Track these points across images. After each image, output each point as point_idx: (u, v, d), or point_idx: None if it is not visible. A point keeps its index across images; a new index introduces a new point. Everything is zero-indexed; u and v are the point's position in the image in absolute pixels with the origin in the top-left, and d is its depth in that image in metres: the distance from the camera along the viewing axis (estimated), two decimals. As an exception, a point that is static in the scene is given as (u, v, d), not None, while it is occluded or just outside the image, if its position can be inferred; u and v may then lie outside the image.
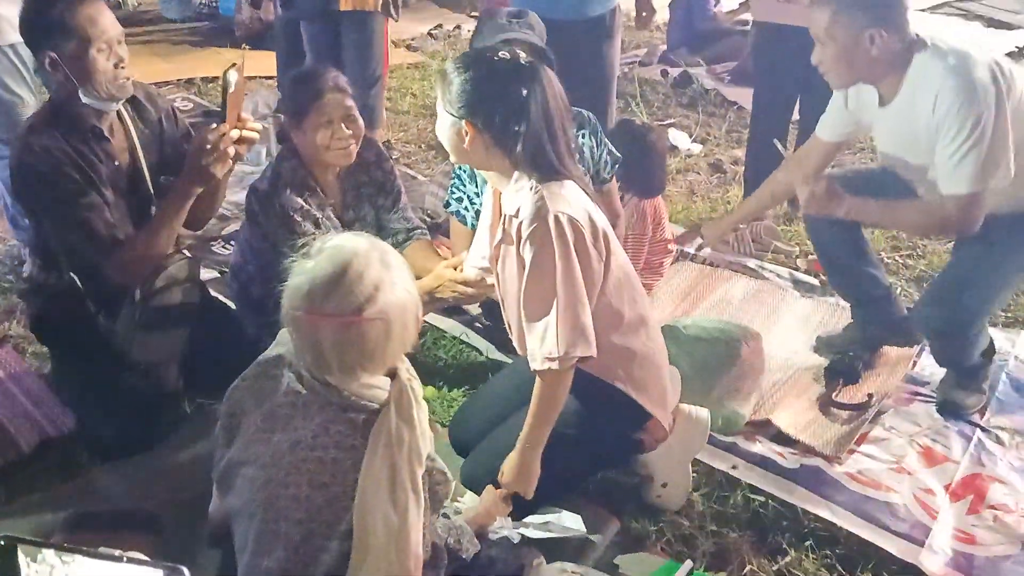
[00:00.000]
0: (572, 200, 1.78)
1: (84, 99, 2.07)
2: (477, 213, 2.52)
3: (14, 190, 2.22)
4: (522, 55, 1.83)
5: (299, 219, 2.29)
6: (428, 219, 3.42)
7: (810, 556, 1.97)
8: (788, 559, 1.95)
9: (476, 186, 2.47)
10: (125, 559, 1.05)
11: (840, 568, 1.95)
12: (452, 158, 1.90)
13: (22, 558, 1.06)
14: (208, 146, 2.00)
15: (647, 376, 1.94)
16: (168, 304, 2.17)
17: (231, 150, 2.03)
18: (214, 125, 2.04)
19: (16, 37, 2.50)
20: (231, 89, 1.99)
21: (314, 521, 1.51)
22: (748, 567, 1.93)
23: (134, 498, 2.07)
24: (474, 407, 2.22)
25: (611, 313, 1.86)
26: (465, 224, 2.51)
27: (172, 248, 2.20)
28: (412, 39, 6.08)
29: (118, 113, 2.18)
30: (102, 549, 1.06)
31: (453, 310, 2.81)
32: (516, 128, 1.76)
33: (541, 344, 1.78)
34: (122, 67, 2.07)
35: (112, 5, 3.21)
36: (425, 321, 2.69)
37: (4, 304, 2.80)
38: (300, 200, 2.32)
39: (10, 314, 2.73)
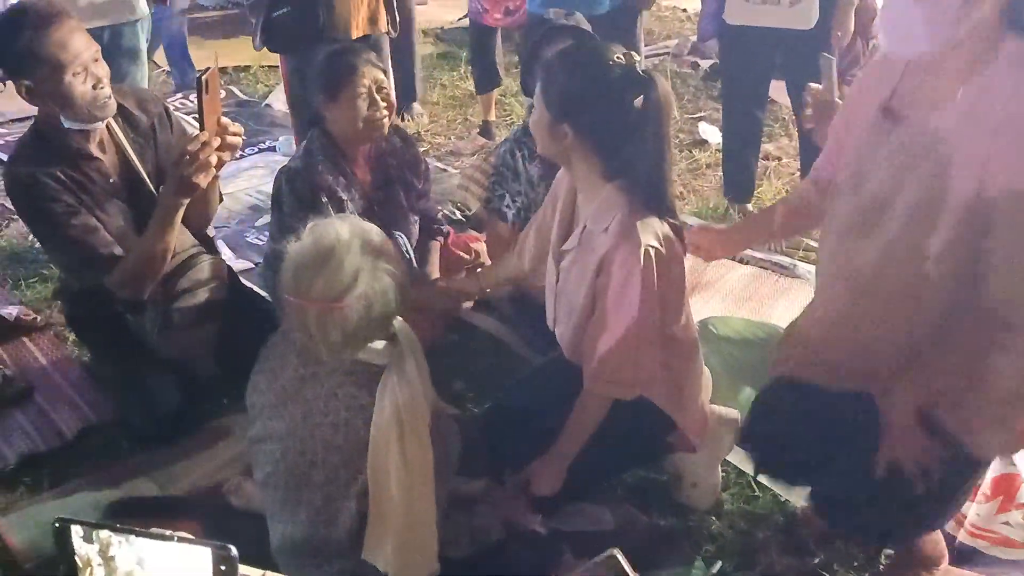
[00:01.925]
0: (659, 230, 1.72)
1: (66, 123, 2.04)
2: (519, 211, 2.53)
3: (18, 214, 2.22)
4: (637, 58, 1.69)
5: (324, 200, 2.32)
6: (458, 212, 3.45)
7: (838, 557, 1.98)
8: (817, 560, 1.96)
9: (520, 183, 2.48)
10: (176, 538, 1.08)
11: (868, 570, 1.96)
12: (540, 149, 1.79)
13: (76, 539, 1.10)
14: (187, 157, 1.90)
15: (684, 395, 1.95)
16: (191, 305, 2.21)
17: (212, 158, 1.92)
18: (194, 134, 1.95)
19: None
20: (206, 94, 1.85)
21: (332, 484, 1.60)
22: (777, 567, 1.94)
23: (173, 485, 2.12)
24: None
25: (668, 337, 1.85)
26: (506, 221, 2.52)
27: (168, 259, 2.13)
28: (441, 28, 6.08)
29: (108, 127, 2.14)
30: (153, 529, 1.09)
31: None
32: (626, 146, 1.66)
33: (607, 367, 1.78)
34: (101, 87, 2.01)
35: None
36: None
37: (46, 292, 2.86)
38: (330, 178, 2.36)
39: (52, 302, 2.79)
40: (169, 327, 2.21)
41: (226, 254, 3.09)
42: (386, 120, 2.35)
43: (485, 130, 4.26)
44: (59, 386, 2.43)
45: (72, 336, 2.62)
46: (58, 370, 2.50)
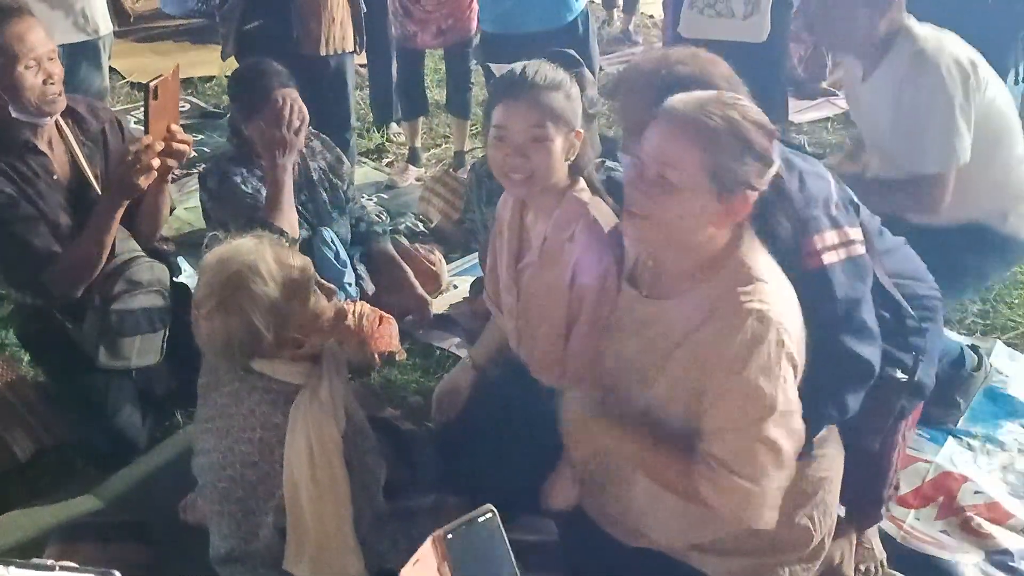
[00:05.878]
0: (612, 222, 1.76)
1: (14, 114, 2.07)
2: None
3: None
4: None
5: (239, 182, 2.47)
6: (419, 224, 3.47)
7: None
8: None
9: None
10: (57, 568, 1.09)
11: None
12: (544, 179, 1.75)
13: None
14: (129, 158, 1.98)
15: None
16: (130, 309, 2.20)
17: (155, 162, 1.99)
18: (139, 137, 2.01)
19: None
20: (154, 100, 1.93)
21: (251, 499, 1.66)
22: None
23: (129, 506, 2.13)
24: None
25: None
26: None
27: (104, 259, 2.15)
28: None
29: (57, 126, 2.17)
30: (34, 560, 1.10)
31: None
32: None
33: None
34: (51, 83, 2.06)
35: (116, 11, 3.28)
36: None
37: (1, 312, 2.84)
38: (244, 171, 2.51)
39: (6, 322, 2.77)
40: (107, 332, 2.20)
41: (187, 270, 3.09)
42: (296, 140, 2.45)
43: (413, 157, 4.08)
44: (13, 407, 2.40)
45: (27, 356, 2.61)
46: (12, 391, 2.47)
